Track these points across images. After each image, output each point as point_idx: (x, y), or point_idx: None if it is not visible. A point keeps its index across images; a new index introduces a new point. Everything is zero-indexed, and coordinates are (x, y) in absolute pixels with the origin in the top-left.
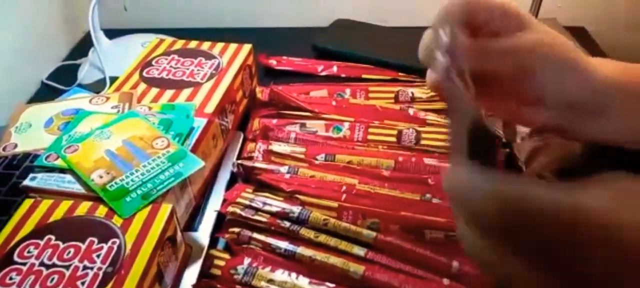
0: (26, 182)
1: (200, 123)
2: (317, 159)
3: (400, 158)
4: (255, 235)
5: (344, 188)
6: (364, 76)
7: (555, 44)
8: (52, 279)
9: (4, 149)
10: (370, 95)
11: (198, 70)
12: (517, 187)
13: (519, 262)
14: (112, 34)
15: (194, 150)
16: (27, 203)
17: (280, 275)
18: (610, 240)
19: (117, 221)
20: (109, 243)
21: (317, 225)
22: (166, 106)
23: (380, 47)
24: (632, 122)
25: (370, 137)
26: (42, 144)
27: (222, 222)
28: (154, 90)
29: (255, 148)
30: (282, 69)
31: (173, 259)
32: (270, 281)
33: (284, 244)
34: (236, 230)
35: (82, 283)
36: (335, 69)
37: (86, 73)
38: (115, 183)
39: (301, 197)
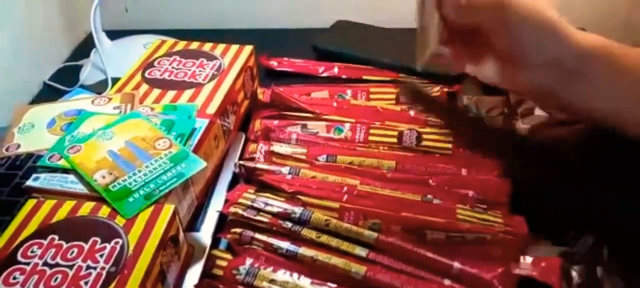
0: (29, 182)
1: (202, 124)
2: (318, 160)
3: (401, 159)
4: (257, 236)
5: (345, 189)
6: (364, 77)
7: (536, 2)
8: (56, 279)
9: (7, 150)
10: (371, 96)
11: (200, 71)
12: None
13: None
14: (113, 35)
15: (196, 150)
16: (30, 203)
17: (282, 275)
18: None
19: (119, 221)
20: (112, 243)
21: (318, 226)
22: (168, 107)
23: (381, 49)
24: (617, 93)
25: (371, 138)
26: (44, 145)
27: (224, 223)
28: (156, 91)
29: (256, 149)
30: (283, 70)
31: (175, 259)
32: (272, 281)
33: (285, 245)
34: (238, 230)
35: (85, 283)
36: (336, 70)
37: (88, 74)
38: (118, 183)
39: (303, 198)
